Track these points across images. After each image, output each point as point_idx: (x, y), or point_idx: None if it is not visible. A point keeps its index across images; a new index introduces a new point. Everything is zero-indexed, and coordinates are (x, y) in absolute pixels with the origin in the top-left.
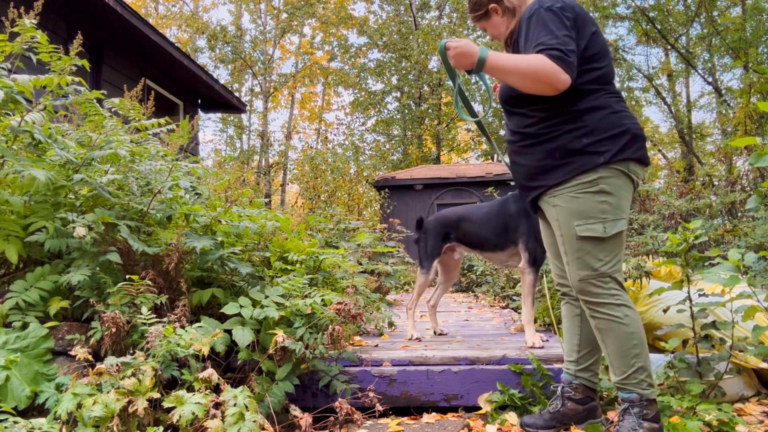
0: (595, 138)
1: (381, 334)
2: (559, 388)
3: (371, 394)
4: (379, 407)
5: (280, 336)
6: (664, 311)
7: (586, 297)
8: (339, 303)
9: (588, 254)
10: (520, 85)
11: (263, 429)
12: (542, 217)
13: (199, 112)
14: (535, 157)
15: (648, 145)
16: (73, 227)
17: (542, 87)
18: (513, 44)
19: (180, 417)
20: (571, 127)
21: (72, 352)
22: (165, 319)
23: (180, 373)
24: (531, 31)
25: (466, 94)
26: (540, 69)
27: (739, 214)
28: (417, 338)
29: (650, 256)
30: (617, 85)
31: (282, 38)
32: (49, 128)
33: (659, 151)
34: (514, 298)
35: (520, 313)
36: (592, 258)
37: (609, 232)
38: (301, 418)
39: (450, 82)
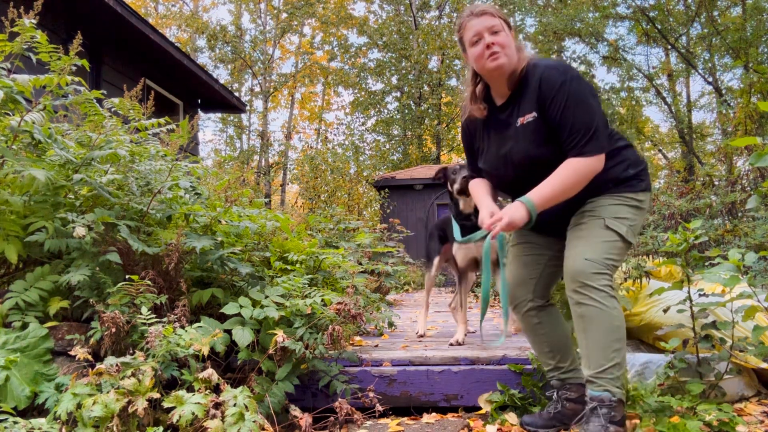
0: (638, 169)
1: (381, 334)
2: (554, 393)
3: (371, 394)
4: (379, 407)
5: (280, 336)
6: (664, 311)
7: (584, 280)
8: (339, 303)
9: (604, 243)
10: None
11: (263, 429)
12: (531, 234)
13: (199, 112)
14: (584, 189)
15: (648, 145)
16: (73, 227)
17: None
18: (539, 108)
19: (180, 417)
20: (617, 162)
21: (72, 352)
22: (165, 319)
23: (180, 373)
24: (567, 108)
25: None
26: (584, 175)
27: (740, 214)
28: (421, 335)
29: (650, 256)
30: (617, 85)
31: (282, 38)
32: (49, 128)
33: (659, 151)
34: None
35: None
36: (605, 248)
37: (628, 237)
38: (301, 418)
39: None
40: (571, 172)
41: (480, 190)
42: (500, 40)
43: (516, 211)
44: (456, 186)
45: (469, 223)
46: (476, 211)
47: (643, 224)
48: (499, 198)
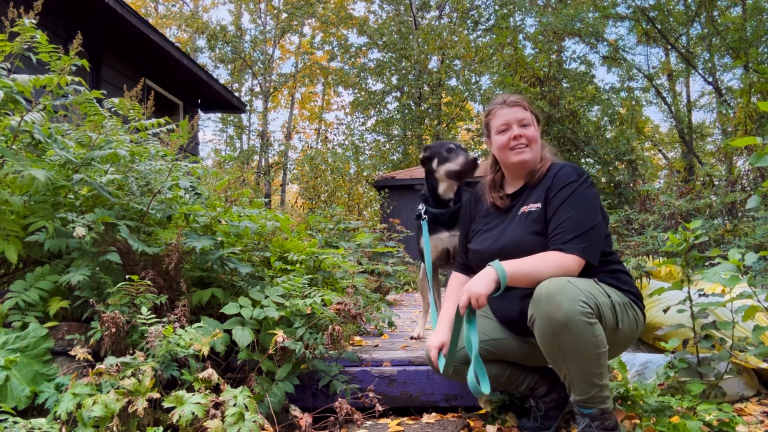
0: (632, 289)
1: (381, 334)
2: (529, 399)
3: (371, 394)
4: (379, 407)
5: (280, 336)
6: (664, 311)
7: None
8: (339, 303)
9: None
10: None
11: (263, 429)
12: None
13: (199, 112)
14: None
15: (648, 145)
16: (73, 227)
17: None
18: (545, 198)
19: (180, 417)
20: (611, 278)
21: (72, 352)
22: (165, 319)
23: (180, 373)
24: (568, 203)
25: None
26: (556, 268)
27: (740, 214)
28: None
29: (650, 256)
30: (617, 85)
31: (282, 38)
32: (49, 128)
33: (659, 151)
34: None
35: None
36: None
37: (620, 323)
38: (301, 418)
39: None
40: (544, 260)
41: (449, 296)
42: (528, 134)
43: (477, 280)
44: (451, 166)
45: (446, 210)
46: (457, 196)
47: (644, 224)
48: None
